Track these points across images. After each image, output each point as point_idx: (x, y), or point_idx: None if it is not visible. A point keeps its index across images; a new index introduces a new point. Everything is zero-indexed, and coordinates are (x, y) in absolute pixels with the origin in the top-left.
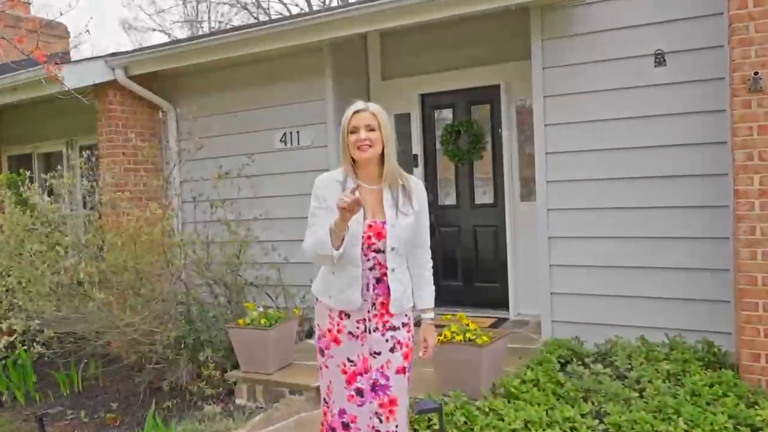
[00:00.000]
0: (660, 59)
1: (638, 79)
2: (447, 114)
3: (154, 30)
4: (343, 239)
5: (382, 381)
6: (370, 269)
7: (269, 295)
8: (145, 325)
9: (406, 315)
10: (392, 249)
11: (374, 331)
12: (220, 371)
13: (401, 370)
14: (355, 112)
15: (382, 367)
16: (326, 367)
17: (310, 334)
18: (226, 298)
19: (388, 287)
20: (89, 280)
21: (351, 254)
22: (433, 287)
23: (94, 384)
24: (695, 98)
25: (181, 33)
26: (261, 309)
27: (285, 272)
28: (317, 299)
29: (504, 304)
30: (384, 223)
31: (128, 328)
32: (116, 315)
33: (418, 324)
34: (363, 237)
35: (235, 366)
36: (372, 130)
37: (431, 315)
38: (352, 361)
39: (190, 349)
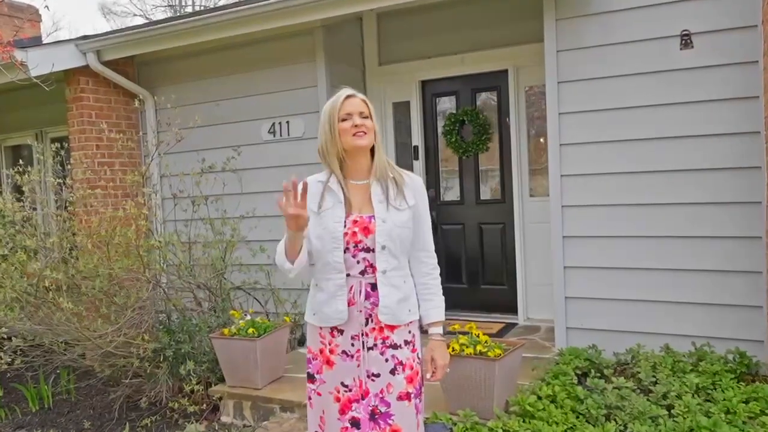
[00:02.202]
0: (686, 41)
1: (662, 63)
2: (450, 102)
3: (135, 15)
4: (300, 250)
5: (382, 408)
6: (362, 273)
7: (258, 300)
8: (120, 336)
9: (409, 331)
10: (383, 248)
11: (371, 348)
12: (203, 386)
13: (405, 397)
14: (346, 97)
15: (381, 392)
16: (318, 394)
17: (302, 341)
18: (211, 304)
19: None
20: (55, 288)
21: (332, 258)
22: (442, 297)
23: (66, 399)
24: (725, 83)
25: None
26: (248, 317)
27: (275, 275)
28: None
29: (512, 308)
30: (371, 217)
31: (101, 340)
32: (86, 326)
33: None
34: (347, 234)
35: (221, 380)
36: (365, 117)
37: (440, 330)
38: (346, 386)
39: (170, 362)
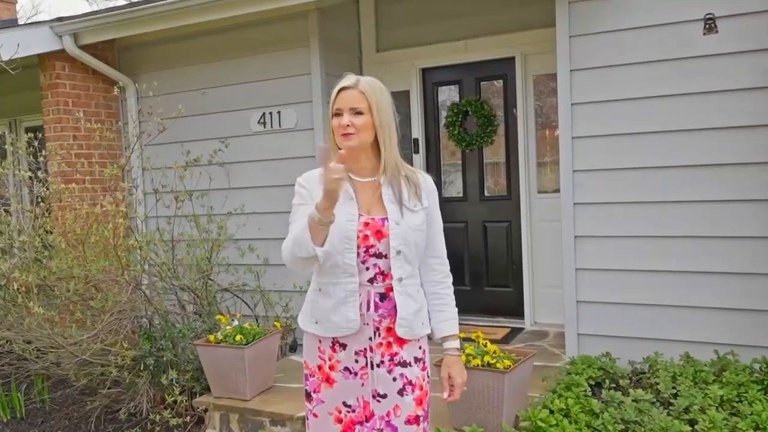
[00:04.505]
0: (710, 25)
1: (684, 50)
2: (452, 92)
3: None
4: (326, 235)
5: None
6: (371, 281)
7: (246, 304)
8: (97, 343)
9: (420, 347)
10: (398, 253)
11: (378, 365)
12: (187, 396)
13: (414, 420)
14: (341, 90)
15: (388, 415)
16: (315, 416)
17: (294, 347)
18: (196, 308)
19: (396, 305)
20: (26, 290)
21: (344, 261)
22: (456, 309)
23: (40, 408)
24: (752, 71)
25: None
26: (236, 321)
27: (265, 276)
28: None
29: (518, 312)
30: (384, 219)
31: (75, 347)
32: (58, 332)
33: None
34: (358, 237)
35: (206, 390)
36: (359, 113)
37: (456, 344)
38: (349, 407)
39: (151, 371)
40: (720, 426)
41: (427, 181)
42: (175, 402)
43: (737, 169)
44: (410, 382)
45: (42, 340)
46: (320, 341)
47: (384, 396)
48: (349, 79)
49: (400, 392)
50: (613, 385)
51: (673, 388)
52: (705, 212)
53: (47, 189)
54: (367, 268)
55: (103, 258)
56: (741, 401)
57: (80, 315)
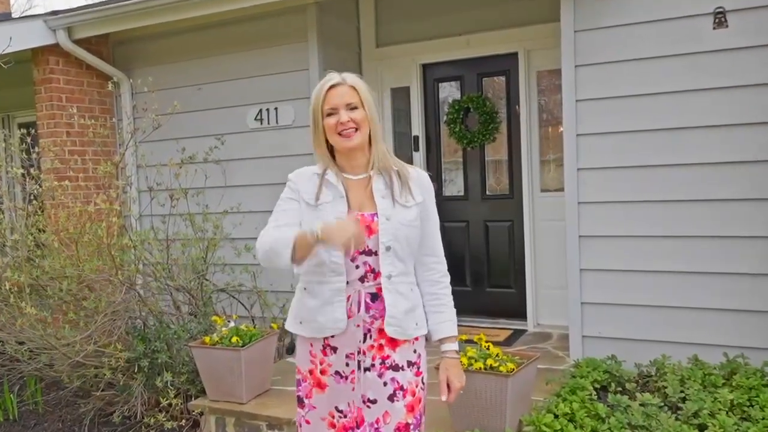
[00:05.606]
0: (720, 19)
1: (693, 44)
2: (454, 88)
3: None
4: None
5: None
6: (361, 280)
7: (243, 304)
8: (90, 344)
9: (414, 350)
10: (387, 249)
11: (368, 369)
12: (182, 399)
13: (404, 428)
14: (330, 88)
15: (377, 421)
16: (307, 422)
17: (291, 349)
18: (191, 309)
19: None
20: (18, 290)
21: (330, 259)
22: (454, 310)
23: (33, 410)
24: (763, 66)
25: None
26: (232, 323)
27: (261, 276)
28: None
29: (520, 313)
30: (374, 215)
31: (68, 348)
32: (51, 333)
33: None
34: None
35: (201, 392)
36: (354, 108)
37: (454, 346)
38: (341, 412)
39: (145, 373)
40: (730, 431)
41: (421, 176)
42: (169, 405)
43: (746, 167)
44: (401, 387)
45: (35, 341)
46: (312, 345)
47: (374, 401)
48: (335, 77)
49: (390, 398)
50: (619, 388)
51: (682, 391)
52: (713, 211)
53: (40, 186)
54: (357, 267)
55: (96, 257)
56: (752, 405)
57: (73, 315)
